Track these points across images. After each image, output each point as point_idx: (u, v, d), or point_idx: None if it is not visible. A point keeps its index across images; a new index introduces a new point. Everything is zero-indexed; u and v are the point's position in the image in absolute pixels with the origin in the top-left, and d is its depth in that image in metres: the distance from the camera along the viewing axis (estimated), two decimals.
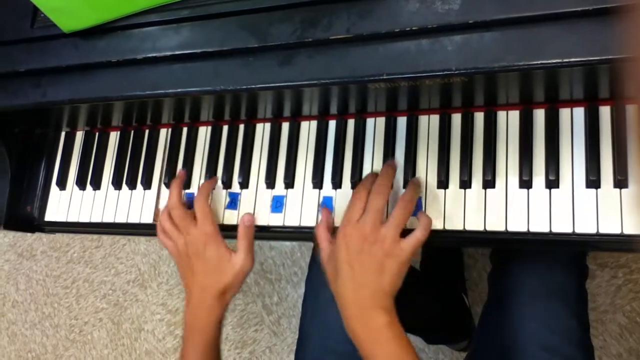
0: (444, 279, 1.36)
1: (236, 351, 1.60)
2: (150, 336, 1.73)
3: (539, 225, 0.68)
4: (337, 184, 0.78)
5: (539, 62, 0.57)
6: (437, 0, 0.57)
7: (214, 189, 0.83)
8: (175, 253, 0.80)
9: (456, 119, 0.75)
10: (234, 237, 0.79)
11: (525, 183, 0.69)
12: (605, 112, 0.68)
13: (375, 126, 0.79)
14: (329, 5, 0.62)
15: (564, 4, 0.56)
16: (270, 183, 0.82)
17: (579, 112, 0.69)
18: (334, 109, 0.80)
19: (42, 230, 0.97)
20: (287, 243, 1.60)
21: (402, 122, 0.77)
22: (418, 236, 0.68)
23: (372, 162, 0.78)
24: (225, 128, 0.87)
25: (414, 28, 0.58)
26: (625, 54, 0.52)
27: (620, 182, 0.65)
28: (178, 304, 1.71)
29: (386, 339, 0.64)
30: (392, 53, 0.59)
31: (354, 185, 0.77)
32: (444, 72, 0.57)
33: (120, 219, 0.89)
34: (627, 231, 0.65)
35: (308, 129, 0.82)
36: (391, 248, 0.66)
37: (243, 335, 1.60)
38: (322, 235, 0.74)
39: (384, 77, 0.59)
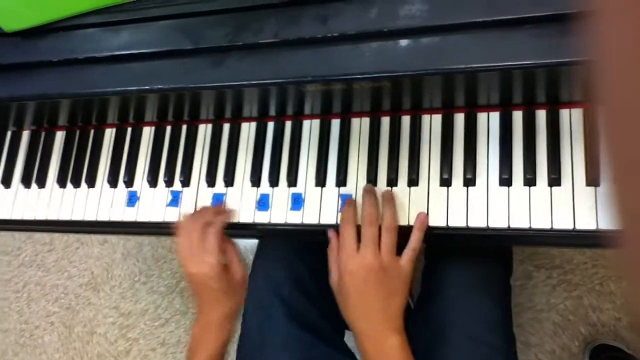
0: None
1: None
2: (103, 339, 1.72)
3: (477, 221, 0.72)
4: (274, 182, 0.82)
5: (452, 67, 0.62)
6: (357, 9, 0.62)
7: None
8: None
9: (385, 122, 0.80)
10: (174, 234, 0.81)
11: (446, 181, 0.74)
12: (517, 116, 0.74)
13: (311, 128, 0.83)
14: (259, 12, 0.66)
15: (478, 14, 0.61)
16: (211, 182, 0.85)
17: (495, 116, 0.75)
18: (272, 111, 0.84)
19: None
20: None
21: (335, 124, 0.82)
22: (413, 247, 0.73)
23: (307, 162, 0.82)
24: (169, 128, 0.90)
25: (335, 34, 0.62)
26: (565, 59, 0.56)
27: (553, 180, 0.70)
28: (130, 307, 1.71)
29: (399, 358, 0.69)
30: (315, 57, 0.63)
31: (290, 184, 0.81)
32: (363, 76, 0.62)
33: (64, 216, 0.91)
34: (556, 226, 0.69)
35: (248, 130, 0.86)
36: (393, 270, 0.71)
37: None
38: (332, 261, 0.76)
39: (309, 79, 0.63)
